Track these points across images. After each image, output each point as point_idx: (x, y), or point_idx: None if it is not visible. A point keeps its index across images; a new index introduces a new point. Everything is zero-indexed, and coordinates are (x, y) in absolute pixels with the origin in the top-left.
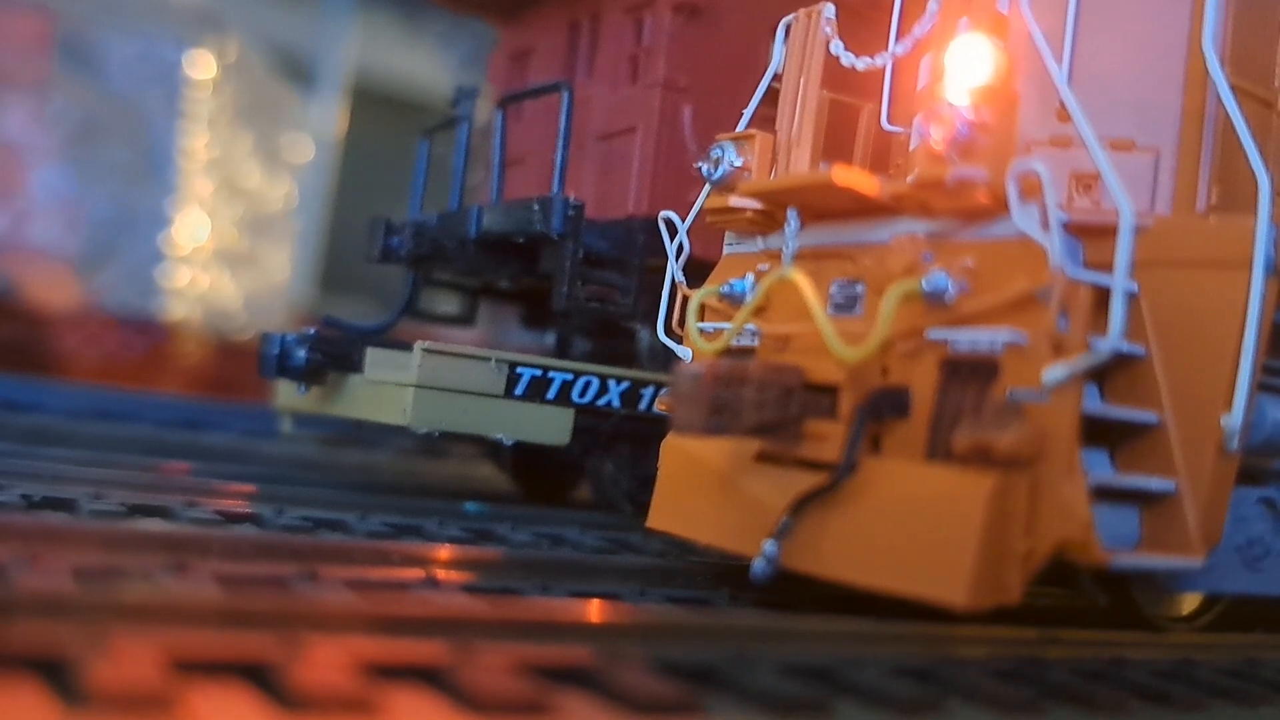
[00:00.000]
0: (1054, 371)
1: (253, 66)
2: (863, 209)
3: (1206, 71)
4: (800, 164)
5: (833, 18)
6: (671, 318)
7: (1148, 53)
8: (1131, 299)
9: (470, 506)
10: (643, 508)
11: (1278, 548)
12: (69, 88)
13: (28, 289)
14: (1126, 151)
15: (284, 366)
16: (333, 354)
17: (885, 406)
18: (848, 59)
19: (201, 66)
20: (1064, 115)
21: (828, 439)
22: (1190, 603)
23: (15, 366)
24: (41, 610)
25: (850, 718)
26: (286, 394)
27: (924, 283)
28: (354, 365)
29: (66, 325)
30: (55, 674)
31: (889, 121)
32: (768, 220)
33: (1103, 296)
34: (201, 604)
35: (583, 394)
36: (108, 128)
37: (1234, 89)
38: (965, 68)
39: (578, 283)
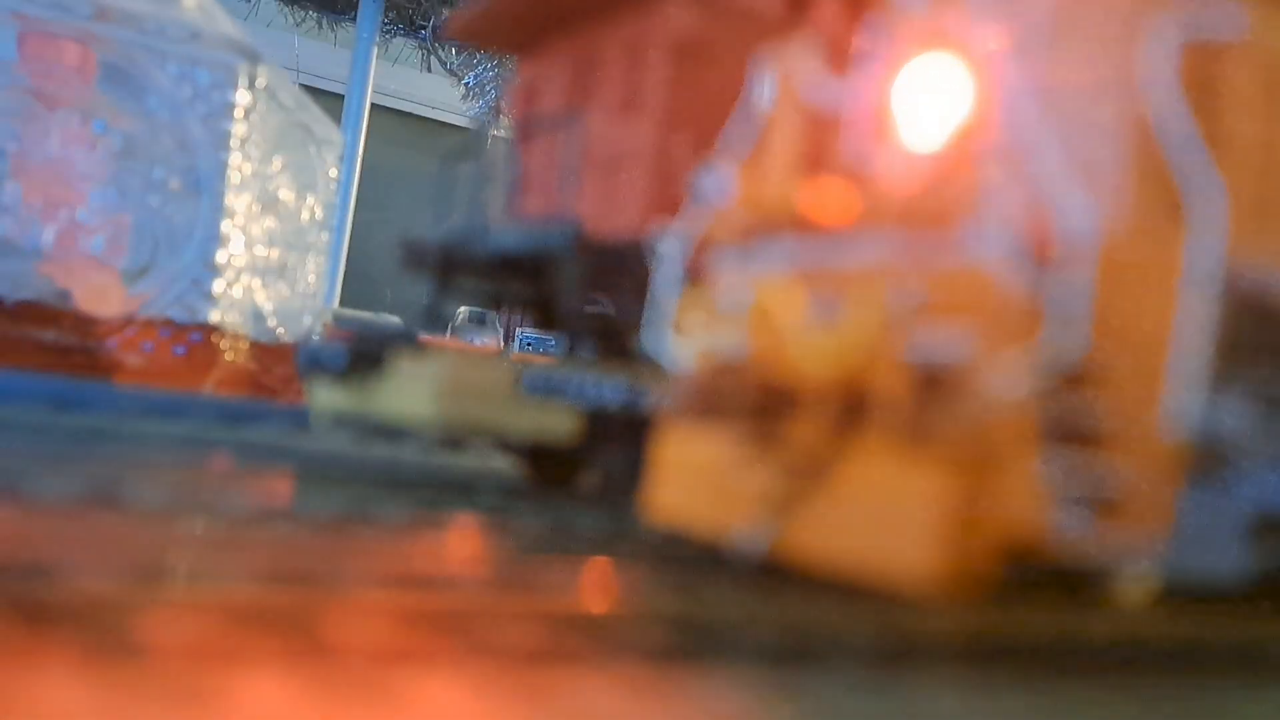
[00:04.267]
0: (1015, 378)
1: (286, 90)
2: (840, 226)
3: (1160, 90)
4: (784, 186)
5: (815, 47)
6: (669, 326)
7: (1105, 71)
8: (1087, 310)
9: (486, 497)
10: (643, 498)
11: (1227, 537)
12: (111, 110)
13: (78, 297)
14: (1084, 169)
15: (318, 369)
16: (363, 357)
17: (863, 409)
18: (825, 89)
19: (238, 91)
20: (1024, 136)
21: (811, 438)
22: (1146, 590)
23: (66, 368)
24: (91, 607)
25: (819, 696)
26: (320, 394)
27: (895, 295)
28: (382, 367)
29: (114, 330)
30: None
31: (861, 147)
32: (755, 238)
33: (1060, 308)
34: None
35: (590, 394)
36: (150, 148)
37: (1187, 107)
38: (930, 93)
39: (584, 293)
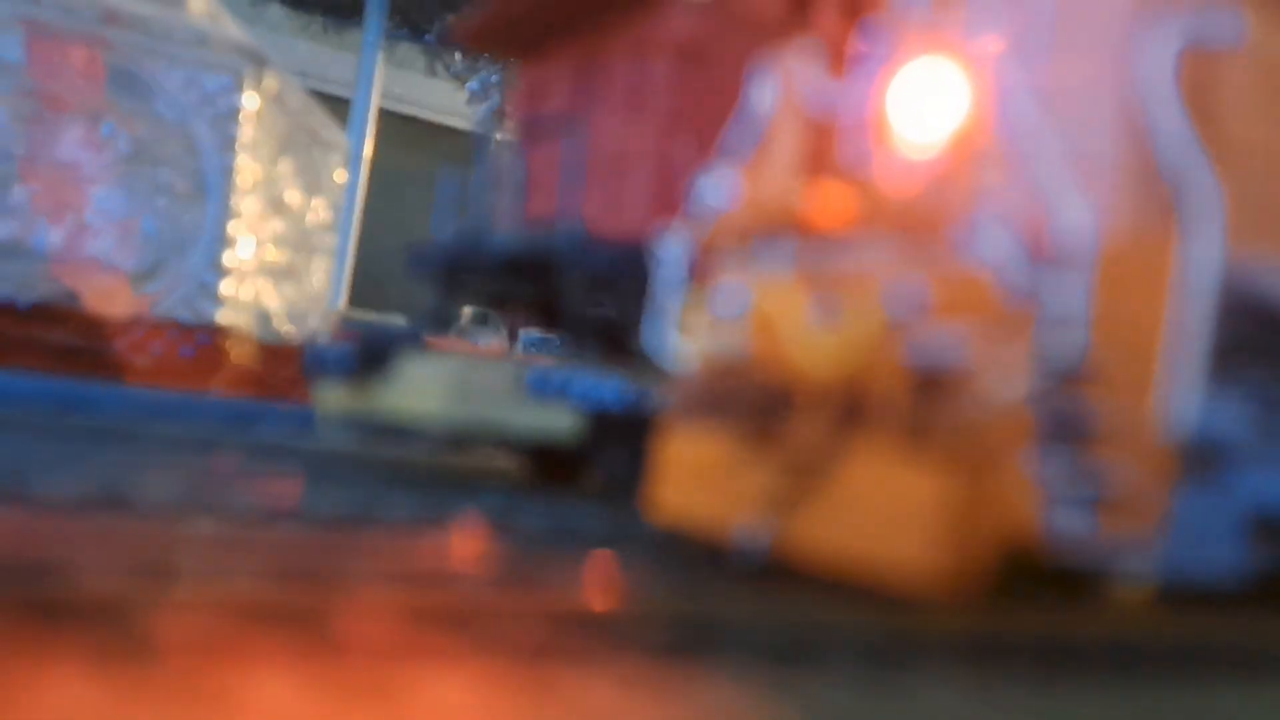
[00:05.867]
0: (1013, 380)
1: (293, 95)
2: (840, 229)
3: (1158, 95)
4: (785, 189)
5: (815, 51)
6: (671, 326)
7: (1103, 75)
8: (1085, 312)
9: (490, 496)
10: (645, 497)
11: (1225, 537)
12: (119, 114)
13: (87, 299)
14: (1081, 172)
15: (325, 370)
16: (369, 358)
17: (862, 410)
18: (824, 92)
19: (245, 95)
20: (1022, 139)
21: (811, 438)
22: (1143, 590)
23: (74, 369)
24: (101, 603)
25: (819, 694)
26: (327, 395)
27: (894, 297)
28: (388, 368)
29: (123, 332)
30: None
31: (861, 150)
32: (756, 238)
33: (1058, 309)
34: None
35: (592, 394)
36: (158, 151)
37: (1186, 111)
38: (929, 97)
39: (588, 294)
